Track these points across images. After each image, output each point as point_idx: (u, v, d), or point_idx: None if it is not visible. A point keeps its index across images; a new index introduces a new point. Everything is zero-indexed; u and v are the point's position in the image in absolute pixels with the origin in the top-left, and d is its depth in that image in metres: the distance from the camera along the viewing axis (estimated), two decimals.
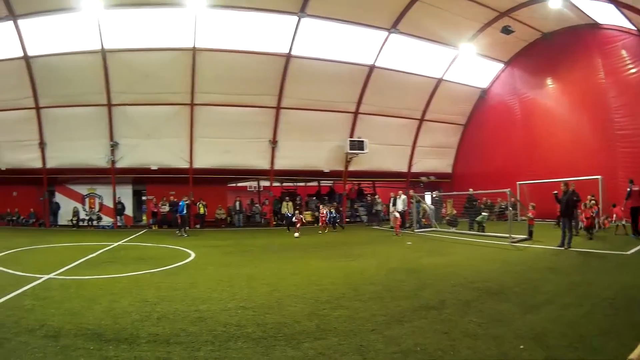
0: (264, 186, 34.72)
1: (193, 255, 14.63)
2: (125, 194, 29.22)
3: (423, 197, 26.52)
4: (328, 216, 24.84)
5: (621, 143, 23.27)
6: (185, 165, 27.24)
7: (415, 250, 15.93)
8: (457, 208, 24.35)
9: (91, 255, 14.19)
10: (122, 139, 26.55)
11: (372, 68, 27.45)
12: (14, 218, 28.90)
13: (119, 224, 28.28)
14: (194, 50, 24.23)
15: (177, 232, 22.58)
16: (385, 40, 26.09)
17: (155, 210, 28.48)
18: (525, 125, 29.14)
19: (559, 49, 26.55)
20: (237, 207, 29.54)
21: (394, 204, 24.43)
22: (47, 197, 28.56)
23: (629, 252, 13.23)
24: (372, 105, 29.09)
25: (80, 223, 28.00)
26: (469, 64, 29.81)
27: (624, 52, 23.17)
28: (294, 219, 23.70)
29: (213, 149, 27.21)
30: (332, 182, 34.97)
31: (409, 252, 15.27)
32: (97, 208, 29.18)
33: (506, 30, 24.93)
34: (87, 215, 28.79)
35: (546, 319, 6.58)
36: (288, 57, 25.45)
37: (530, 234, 17.43)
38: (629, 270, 10.70)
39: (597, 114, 24.45)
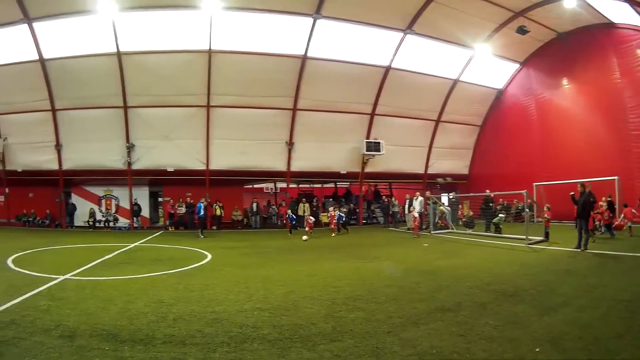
0: (280, 188, 34.71)
1: (209, 256, 14.65)
2: (142, 196, 29.39)
3: (440, 199, 26.33)
4: (337, 217, 24.22)
5: (636, 143, 23.00)
6: (202, 167, 27.30)
7: (431, 252, 15.81)
8: (474, 209, 24.16)
9: (107, 256, 14.28)
10: (139, 140, 26.69)
11: (388, 69, 27.32)
12: (30, 219, 29.24)
13: (135, 225, 28.45)
14: (210, 52, 24.30)
15: (200, 234, 22.34)
16: (401, 41, 25.96)
17: (172, 211, 28.60)
18: (541, 125, 28.85)
19: (574, 48, 26.29)
20: (254, 209, 29.53)
21: (411, 205, 24.24)
22: (63, 198, 28.83)
23: None
24: (389, 106, 28.94)
25: (97, 224, 28.23)
26: (485, 65, 29.60)
27: (639, 52, 22.87)
28: (307, 222, 22.75)
29: (229, 151, 27.24)
30: (348, 183, 34.86)
31: (425, 254, 15.14)
32: (113, 209, 29.40)
33: (521, 31, 24.71)
34: (103, 216, 29.00)
35: (562, 322, 6.52)
36: (304, 58, 25.43)
37: (547, 235, 17.25)
38: None
39: (613, 114, 24.15)
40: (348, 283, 9.70)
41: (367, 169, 30.14)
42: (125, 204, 29.00)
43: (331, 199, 33.37)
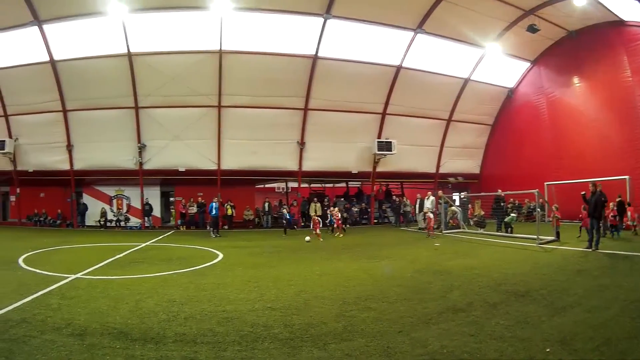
0: (292, 187, 34.76)
1: (221, 256, 14.66)
2: (153, 195, 29.55)
3: (451, 198, 26.21)
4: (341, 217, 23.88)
5: None
6: (213, 167, 27.36)
7: (442, 251, 15.68)
8: (485, 209, 24.03)
9: (118, 256, 14.35)
10: (150, 140, 26.83)
11: (399, 68, 27.24)
12: (42, 219, 29.44)
13: (146, 224, 28.61)
14: (220, 52, 24.38)
15: (213, 234, 22.50)
16: (412, 40, 25.89)
17: (184, 211, 28.66)
18: (552, 124, 28.59)
19: (584, 47, 26.06)
20: (266, 209, 29.55)
21: (422, 205, 24.12)
22: (74, 198, 29.01)
23: None
24: (400, 105, 28.84)
25: (108, 224, 28.43)
26: (496, 64, 29.45)
27: None
28: (315, 221, 22.20)
29: (241, 151, 27.28)
30: (360, 183, 34.86)
31: (436, 254, 15.02)
32: (124, 209, 29.57)
33: (532, 29, 24.54)
34: (114, 216, 29.22)
35: (573, 322, 6.48)
36: (315, 58, 25.45)
37: (558, 235, 17.16)
38: None
39: (624, 113, 23.85)
40: (359, 282, 9.69)
41: (379, 169, 30.09)
42: (136, 204, 29.15)
43: (342, 199, 33.33)
